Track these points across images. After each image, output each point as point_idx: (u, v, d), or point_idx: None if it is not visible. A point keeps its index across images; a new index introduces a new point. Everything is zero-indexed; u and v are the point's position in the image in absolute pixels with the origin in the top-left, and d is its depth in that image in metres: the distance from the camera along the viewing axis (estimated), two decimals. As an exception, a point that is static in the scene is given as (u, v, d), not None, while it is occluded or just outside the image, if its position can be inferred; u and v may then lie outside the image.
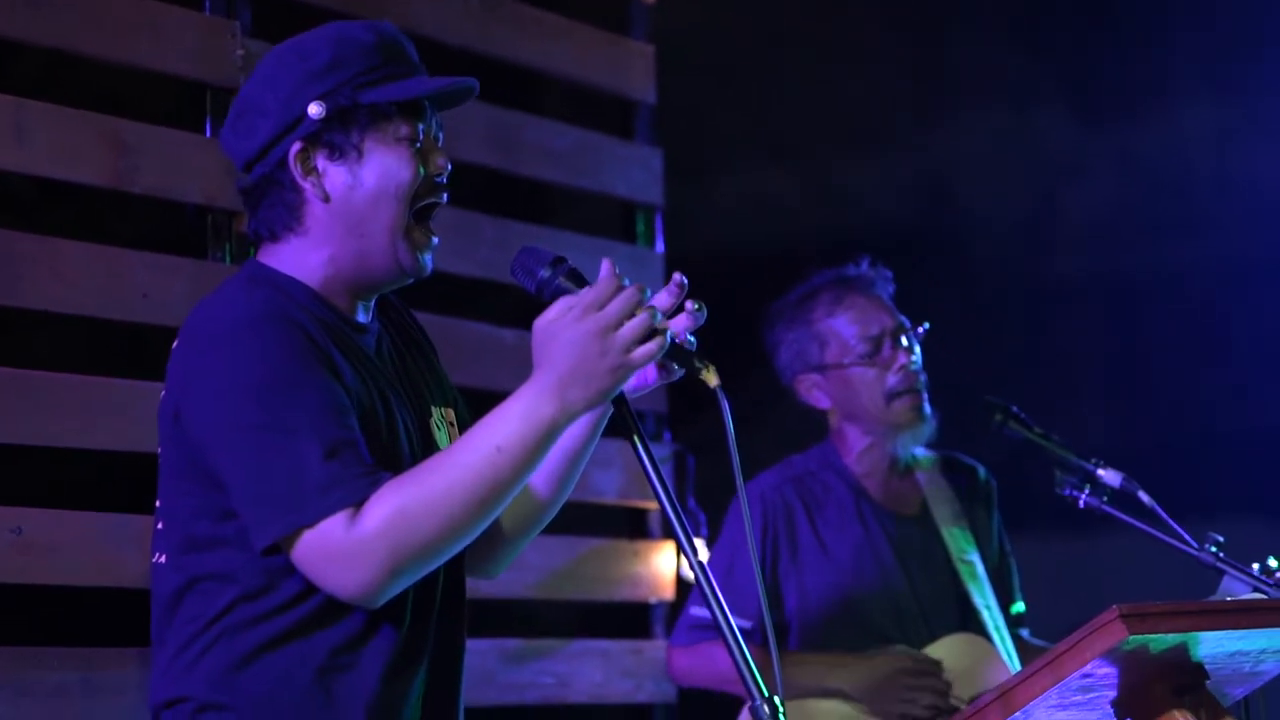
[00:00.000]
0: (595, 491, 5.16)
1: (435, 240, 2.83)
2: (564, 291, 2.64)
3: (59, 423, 3.91)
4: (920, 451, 4.50)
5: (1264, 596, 3.70)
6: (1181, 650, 2.94)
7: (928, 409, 4.36)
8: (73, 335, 4.22)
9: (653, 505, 5.31)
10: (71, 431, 3.93)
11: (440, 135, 2.85)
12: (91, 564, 3.90)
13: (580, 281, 2.65)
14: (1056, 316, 6.87)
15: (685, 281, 2.64)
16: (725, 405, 2.58)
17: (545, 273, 2.66)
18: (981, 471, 4.57)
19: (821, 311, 4.41)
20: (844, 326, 4.39)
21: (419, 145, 2.79)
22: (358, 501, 2.56)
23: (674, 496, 2.60)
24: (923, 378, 4.37)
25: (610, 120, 5.52)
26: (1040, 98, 6.95)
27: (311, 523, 2.56)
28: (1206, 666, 3.02)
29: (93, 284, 4.00)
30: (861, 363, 4.36)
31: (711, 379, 2.60)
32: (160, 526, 2.75)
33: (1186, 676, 3.00)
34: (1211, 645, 2.96)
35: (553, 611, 5.38)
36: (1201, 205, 6.69)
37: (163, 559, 2.74)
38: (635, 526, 5.39)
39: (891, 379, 4.35)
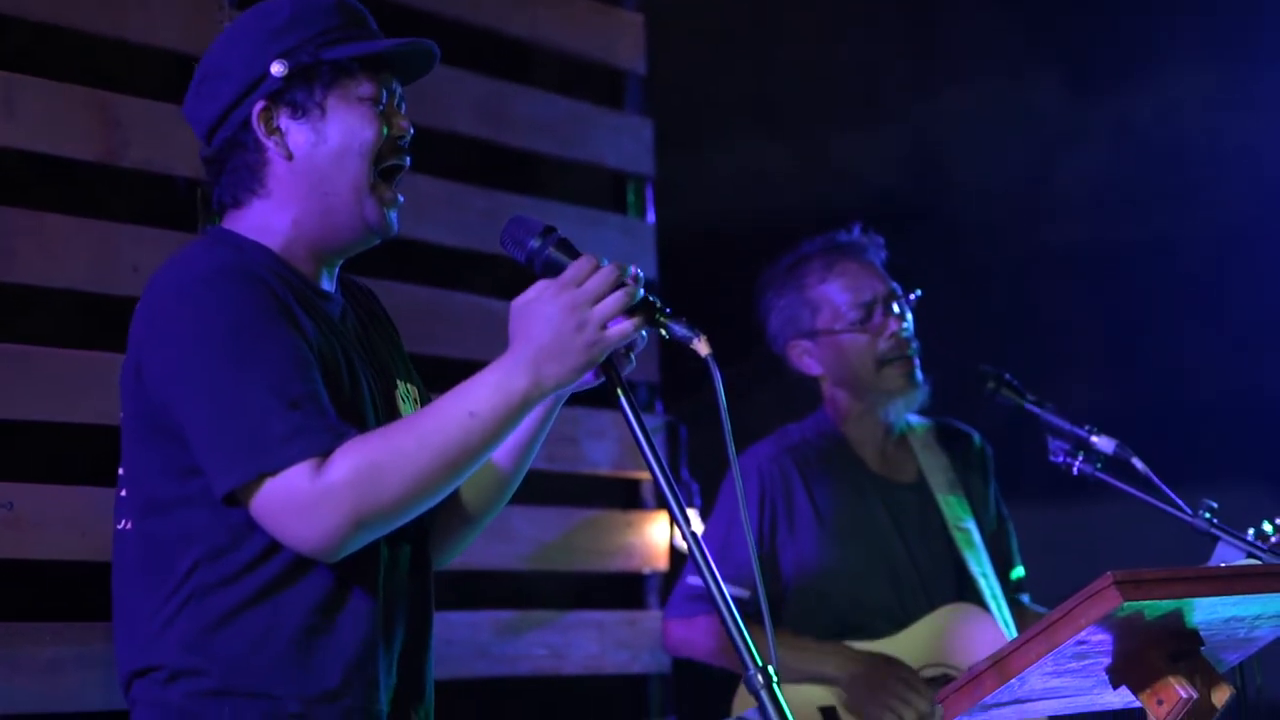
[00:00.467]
0: (589, 463, 5.15)
1: (401, 199, 2.83)
2: (554, 261, 2.64)
3: (49, 398, 3.90)
4: (915, 419, 4.49)
5: (1258, 562, 3.69)
6: (1176, 617, 2.93)
7: (919, 375, 4.35)
8: (63, 310, 4.20)
9: (646, 476, 5.30)
10: (62, 407, 3.92)
11: (403, 105, 2.85)
12: (82, 539, 3.89)
13: (570, 251, 2.65)
14: (1051, 285, 6.86)
15: (640, 274, 2.64)
16: (716, 374, 2.57)
17: (535, 243, 2.67)
18: (977, 438, 4.56)
19: (813, 278, 4.40)
20: (836, 293, 4.37)
21: (381, 108, 2.79)
22: (322, 452, 2.56)
23: (667, 467, 2.59)
24: (914, 344, 4.36)
25: (600, 91, 5.50)
26: (1034, 68, 6.93)
27: (275, 470, 2.55)
28: (1201, 633, 3.01)
29: (83, 258, 3.99)
30: (853, 329, 4.35)
31: (702, 348, 2.59)
32: (124, 493, 2.74)
33: (1181, 643, 2.99)
34: (1206, 611, 2.95)
35: (547, 583, 5.37)
36: (1195, 173, 6.68)
37: (128, 525, 2.73)
38: (629, 497, 5.38)
39: (883, 345, 4.34)
